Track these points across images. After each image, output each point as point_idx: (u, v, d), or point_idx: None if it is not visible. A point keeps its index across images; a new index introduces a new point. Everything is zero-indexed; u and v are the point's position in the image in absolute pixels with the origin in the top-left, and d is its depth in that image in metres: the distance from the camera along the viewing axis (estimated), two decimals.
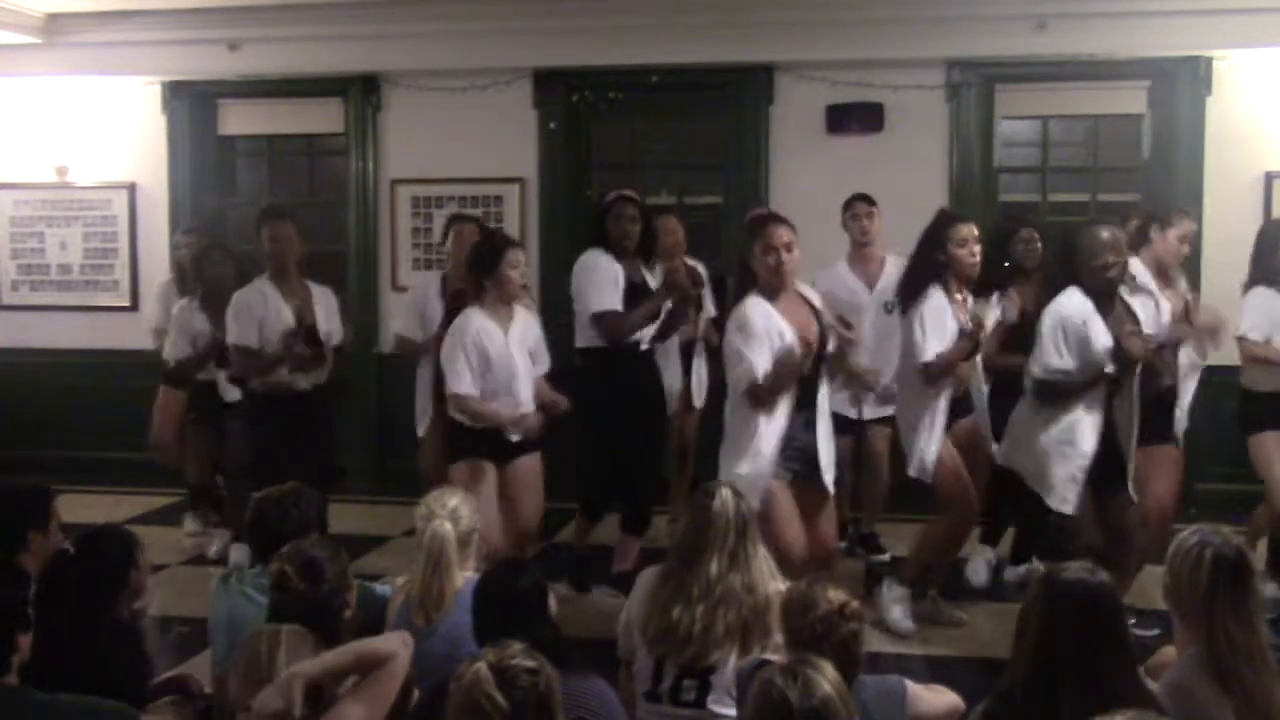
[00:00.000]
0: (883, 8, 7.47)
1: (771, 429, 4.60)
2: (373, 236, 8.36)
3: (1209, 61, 7.46)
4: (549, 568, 4.97)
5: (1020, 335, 5.37)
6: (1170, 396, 5.45)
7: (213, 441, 6.57)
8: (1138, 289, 5.18)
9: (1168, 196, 7.07)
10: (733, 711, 3.35)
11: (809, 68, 7.74)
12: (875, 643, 4.92)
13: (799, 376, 4.60)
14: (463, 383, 4.94)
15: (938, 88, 7.72)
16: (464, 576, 3.60)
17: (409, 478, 6.22)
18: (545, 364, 5.26)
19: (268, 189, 8.86)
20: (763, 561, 3.63)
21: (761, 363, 4.53)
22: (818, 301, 4.90)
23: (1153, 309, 5.17)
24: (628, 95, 8.29)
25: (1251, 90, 7.51)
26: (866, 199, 6.32)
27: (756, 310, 4.62)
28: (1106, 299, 4.85)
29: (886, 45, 7.55)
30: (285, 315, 5.77)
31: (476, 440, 5.04)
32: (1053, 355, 4.83)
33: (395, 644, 3.09)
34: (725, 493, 3.64)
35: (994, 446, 5.35)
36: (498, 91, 8.05)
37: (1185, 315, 5.71)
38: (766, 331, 4.56)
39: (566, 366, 5.64)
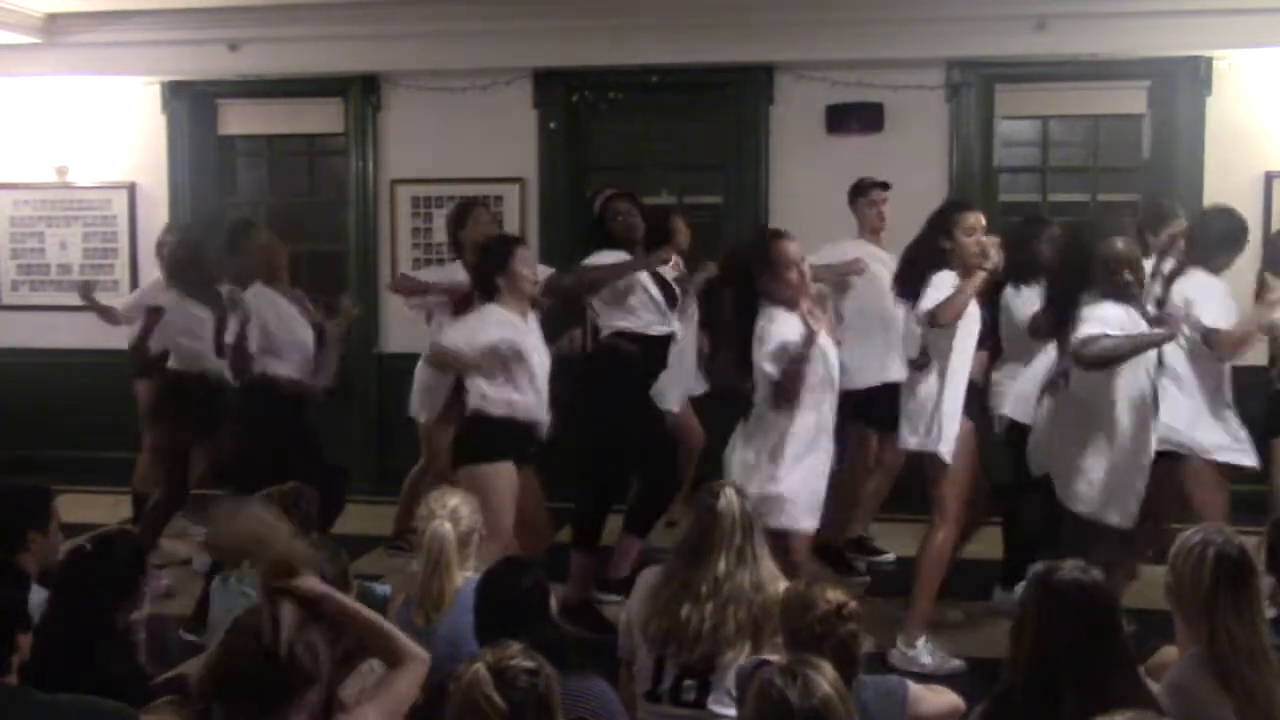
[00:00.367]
0: (883, 8, 7.47)
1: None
2: (373, 236, 8.35)
3: (1209, 61, 7.46)
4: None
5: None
6: None
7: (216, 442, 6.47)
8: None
9: (1167, 196, 7.06)
10: (733, 711, 3.35)
11: (809, 68, 7.73)
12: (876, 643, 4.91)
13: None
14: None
15: (938, 88, 7.72)
16: (464, 576, 3.60)
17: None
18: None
19: (268, 189, 8.87)
20: (769, 560, 3.63)
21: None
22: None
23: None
24: (628, 95, 8.28)
25: (1251, 90, 7.50)
26: (884, 185, 6.25)
27: (788, 326, 4.63)
28: (1130, 300, 4.79)
29: (886, 45, 7.55)
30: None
31: (509, 438, 4.92)
32: (1095, 327, 4.58)
33: (420, 652, 2.95)
34: (729, 492, 3.65)
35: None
36: (498, 91, 8.05)
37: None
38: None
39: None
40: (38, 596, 3.23)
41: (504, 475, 4.85)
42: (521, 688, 2.42)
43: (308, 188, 9.00)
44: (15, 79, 8.51)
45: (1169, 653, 3.42)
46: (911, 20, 7.47)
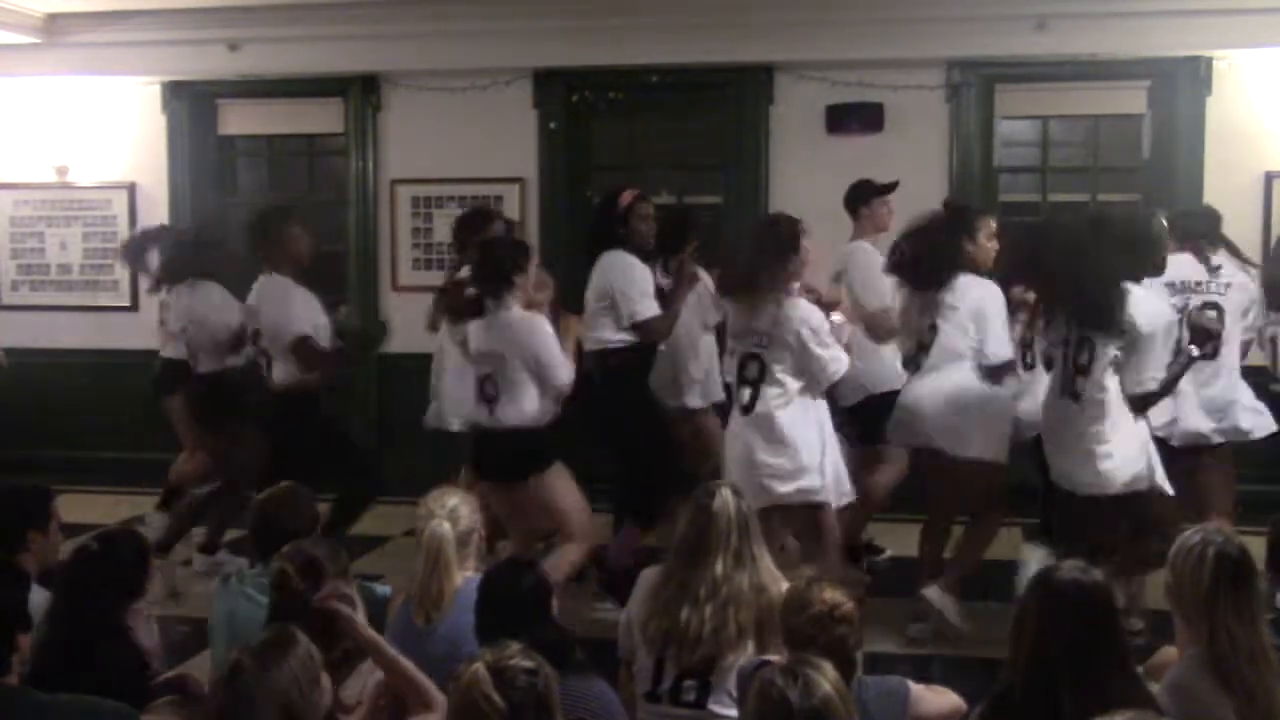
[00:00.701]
0: (883, 8, 7.47)
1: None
2: (373, 236, 8.36)
3: (1209, 61, 7.46)
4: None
5: None
6: None
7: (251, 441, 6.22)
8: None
9: (1168, 196, 7.08)
10: (733, 712, 3.34)
11: (809, 68, 7.74)
12: (877, 643, 4.90)
13: None
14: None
15: (938, 88, 7.72)
16: (463, 576, 3.60)
17: (409, 478, 6.18)
18: None
19: (268, 189, 8.86)
20: (769, 561, 3.62)
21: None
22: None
23: None
24: (628, 95, 8.29)
25: (1251, 90, 7.51)
26: (895, 185, 6.28)
27: (816, 314, 5.04)
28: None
29: (886, 45, 7.55)
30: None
31: (548, 443, 5.15)
32: (1161, 365, 4.61)
33: (441, 701, 2.90)
34: (725, 492, 3.63)
35: None
36: (498, 91, 8.05)
37: None
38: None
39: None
40: (38, 596, 3.22)
41: (565, 475, 5.14)
42: (521, 687, 2.42)
43: (308, 188, 8.99)
44: (15, 79, 8.52)
45: (1169, 653, 3.42)
46: (911, 20, 7.47)
